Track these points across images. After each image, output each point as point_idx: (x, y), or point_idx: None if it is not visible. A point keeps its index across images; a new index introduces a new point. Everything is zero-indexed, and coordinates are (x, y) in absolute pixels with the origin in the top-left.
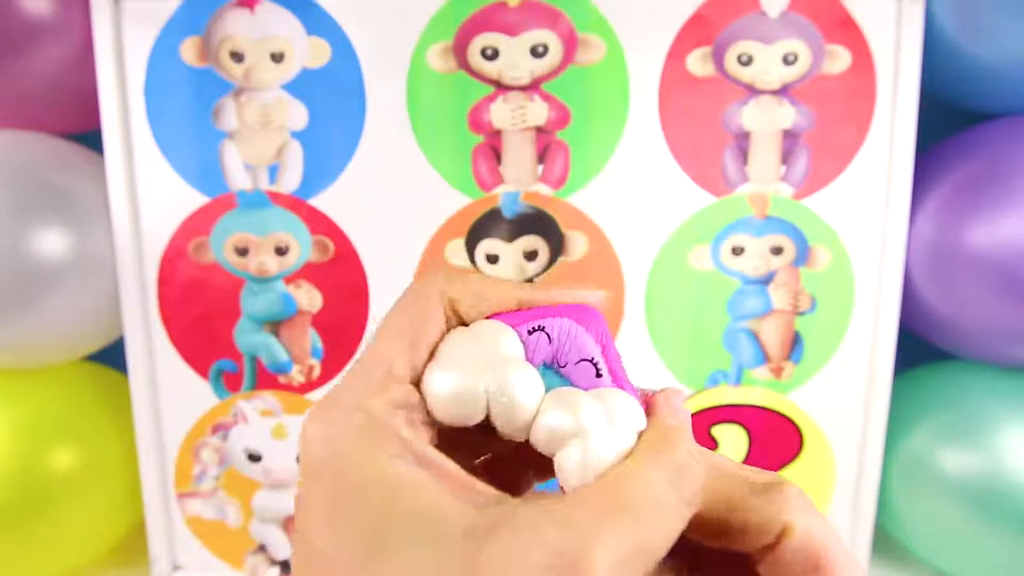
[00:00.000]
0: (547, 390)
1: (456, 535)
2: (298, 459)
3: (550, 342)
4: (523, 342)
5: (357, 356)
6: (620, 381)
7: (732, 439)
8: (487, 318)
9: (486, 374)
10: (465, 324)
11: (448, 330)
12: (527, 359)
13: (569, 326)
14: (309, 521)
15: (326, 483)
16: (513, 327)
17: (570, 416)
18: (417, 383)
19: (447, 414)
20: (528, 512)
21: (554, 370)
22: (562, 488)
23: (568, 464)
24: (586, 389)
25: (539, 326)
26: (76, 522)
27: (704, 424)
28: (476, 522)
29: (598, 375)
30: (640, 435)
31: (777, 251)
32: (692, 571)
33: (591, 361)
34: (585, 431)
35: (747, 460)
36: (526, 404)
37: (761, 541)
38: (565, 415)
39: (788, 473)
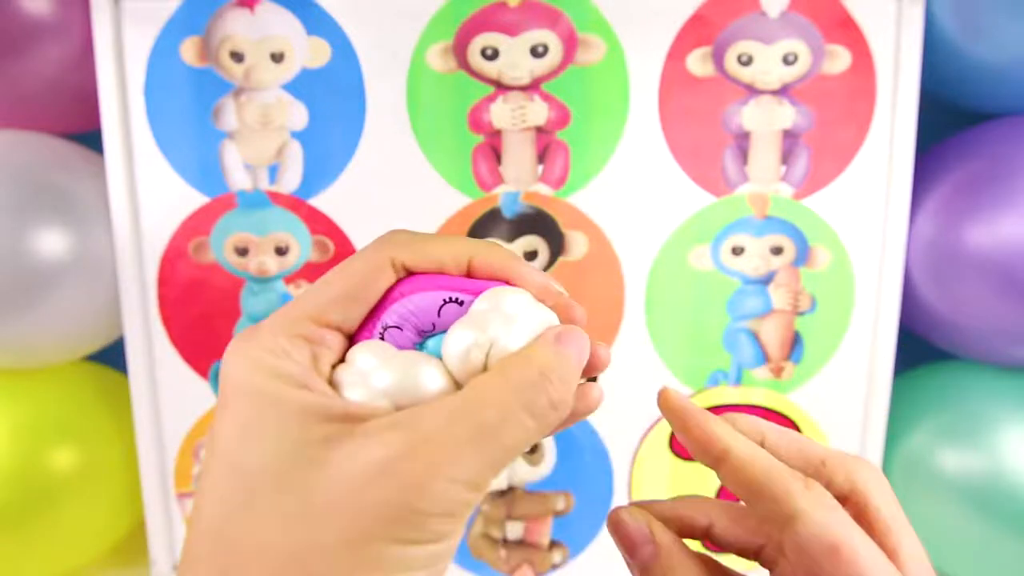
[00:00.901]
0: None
1: (311, 441)
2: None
3: (402, 330)
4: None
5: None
6: (479, 289)
7: None
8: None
9: (375, 380)
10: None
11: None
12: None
13: (403, 304)
14: (220, 435)
15: (228, 389)
16: (371, 338)
17: (469, 332)
18: (349, 333)
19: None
20: (381, 420)
21: (433, 335)
22: None
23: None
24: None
25: (384, 326)
26: (76, 522)
27: None
28: (334, 432)
29: (460, 303)
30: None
31: (777, 251)
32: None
33: (446, 302)
34: (491, 337)
35: None
36: (427, 380)
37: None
38: (464, 334)
39: None
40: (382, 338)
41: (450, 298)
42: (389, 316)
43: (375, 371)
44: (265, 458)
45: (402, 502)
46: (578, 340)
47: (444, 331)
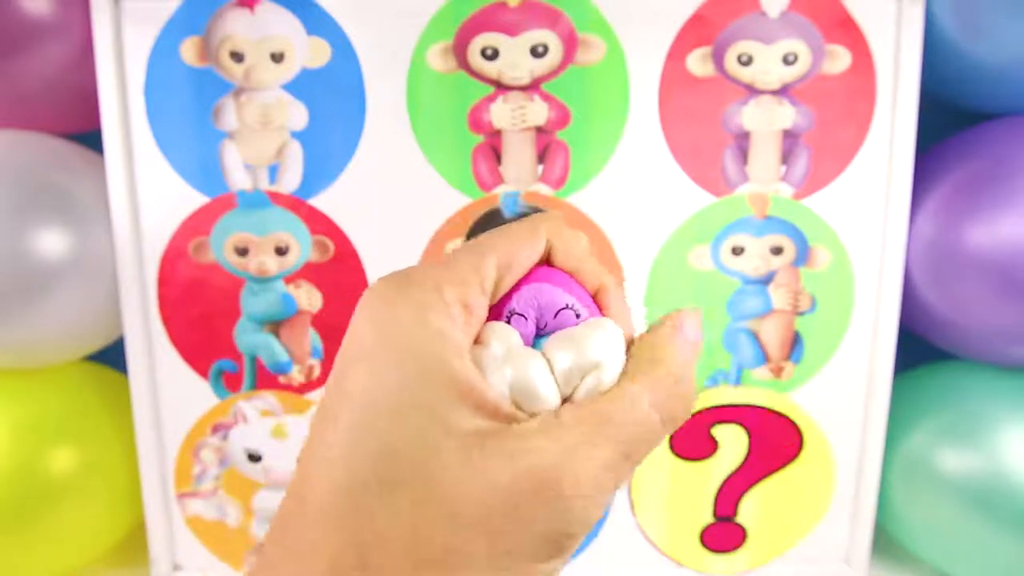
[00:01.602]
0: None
1: (462, 432)
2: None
3: (526, 319)
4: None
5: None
6: (595, 311)
7: (732, 439)
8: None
9: (503, 374)
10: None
11: (538, 258)
12: (524, 342)
13: (532, 291)
14: (356, 389)
15: (374, 341)
16: (499, 320)
17: (575, 353)
18: (489, 292)
19: None
20: (532, 426)
21: (545, 335)
22: None
23: (585, 395)
24: None
25: (511, 311)
26: (76, 522)
27: (704, 424)
28: (487, 428)
29: (577, 316)
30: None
31: (777, 251)
32: None
33: (566, 307)
34: (594, 362)
35: (747, 460)
36: (543, 389)
37: None
38: (570, 354)
39: (788, 473)
40: (508, 321)
41: (570, 305)
42: (519, 302)
43: (504, 363)
44: (410, 437)
45: (555, 522)
46: (694, 324)
47: (551, 333)
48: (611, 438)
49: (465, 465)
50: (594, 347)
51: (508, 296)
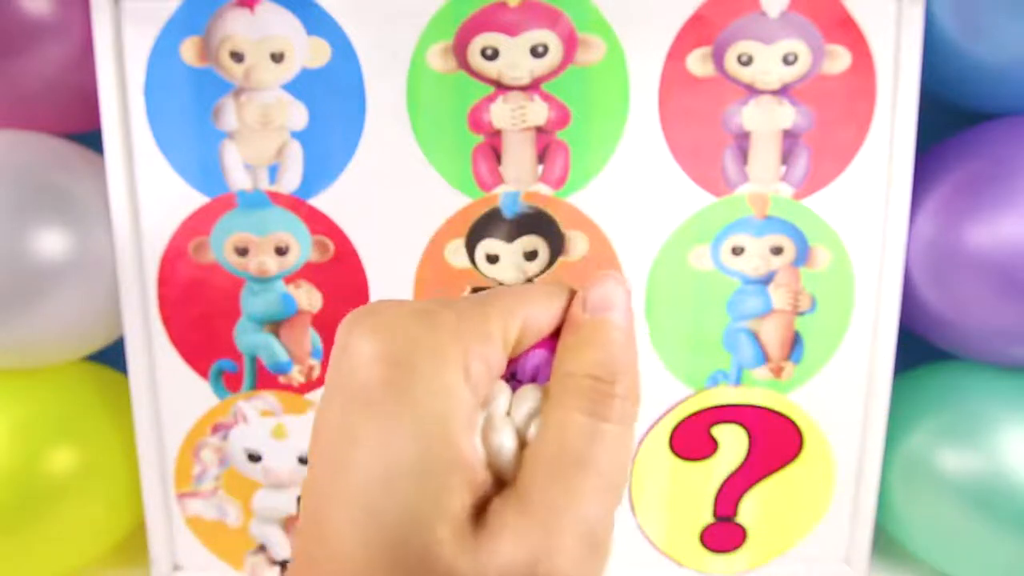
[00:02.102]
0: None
1: (458, 507)
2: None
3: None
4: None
5: (477, 297)
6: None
7: (732, 439)
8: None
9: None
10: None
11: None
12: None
13: (536, 358)
14: (369, 385)
15: (396, 387)
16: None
17: (529, 403)
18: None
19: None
20: (511, 508)
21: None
22: None
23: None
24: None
25: (512, 374)
26: (76, 522)
27: (704, 424)
28: (469, 510)
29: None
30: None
31: (777, 251)
32: None
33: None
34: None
35: (747, 460)
36: (505, 447)
37: None
38: (526, 405)
39: (788, 473)
40: (508, 382)
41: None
42: (521, 369)
43: (505, 423)
44: (406, 512)
45: None
46: (613, 294)
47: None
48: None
49: (460, 551)
50: (532, 397)
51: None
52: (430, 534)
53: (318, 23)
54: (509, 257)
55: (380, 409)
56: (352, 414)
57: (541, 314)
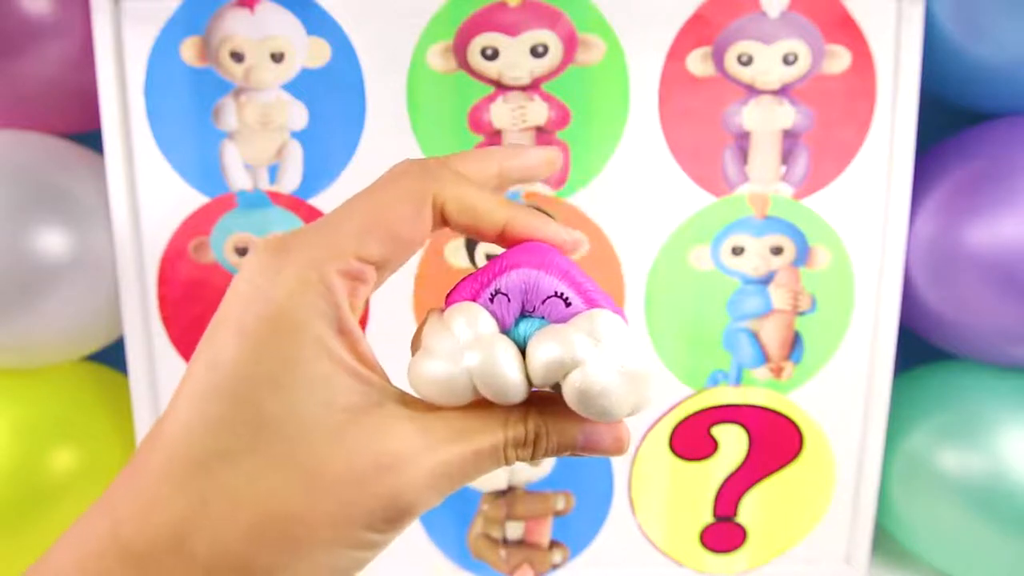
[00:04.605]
0: (529, 335)
1: (337, 408)
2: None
3: (510, 300)
4: (488, 309)
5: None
6: (590, 300)
7: (732, 439)
8: (449, 294)
9: (464, 358)
10: (448, 225)
11: (429, 227)
12: (500, 325)
13: (521, 276)
14: (222, 335)
15: (256, 308)
16: (475, 299)
17: (559, 348)
18: (374, 262)
19: (437, 400)
20: (393, 409)
21: (529, 316)
22: None
23: (570, 393)
24: (564, 320)
25: (495, 290)
26: None
27: (704, 424)
28: (354, 403)
29: (567, 304)
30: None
31: (777, 251)
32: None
33: (555, 295)
34: (577, 360)
35: (747, 460)
36: (509, 375)
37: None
38: (554, 348)
39: (788, 473)
40: (492, 299)
41: (559, 293)
42: (507, 283)
43: (468, 348)
44: (285, 409)
45: (399, 501)
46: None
47: (540, 318)
48: (467, 444)
49: (334, 441)
50: (579, 344)
51: (493, 271)
52: (300, 420)
53: (318, 23)
54: None
55: (241, 327)
56: (216, 335)
57: (402, 218)
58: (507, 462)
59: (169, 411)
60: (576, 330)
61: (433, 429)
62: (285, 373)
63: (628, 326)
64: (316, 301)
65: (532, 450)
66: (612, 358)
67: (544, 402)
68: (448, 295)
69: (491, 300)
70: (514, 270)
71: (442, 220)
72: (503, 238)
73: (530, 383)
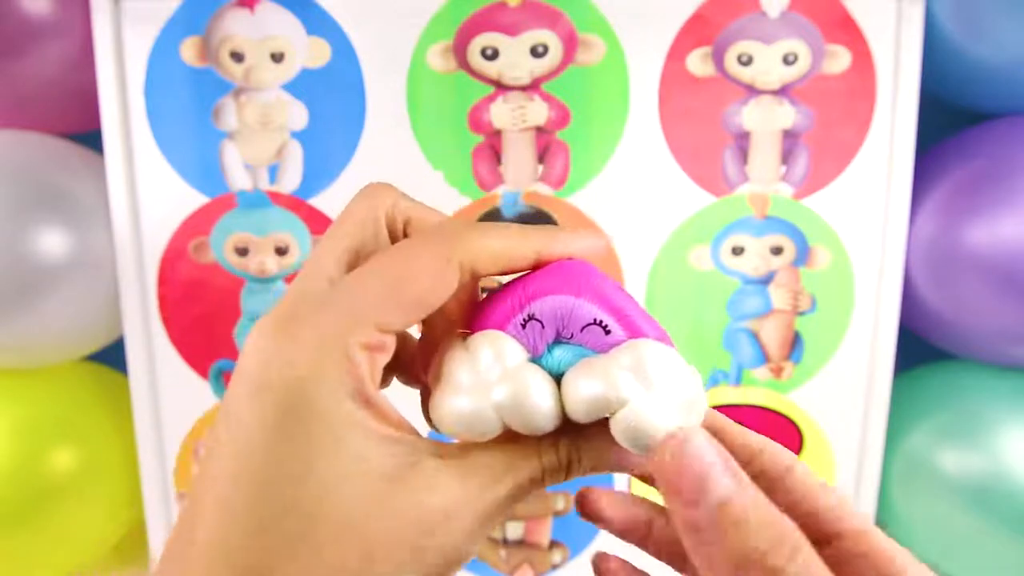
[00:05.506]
0: (564, 363)
1: (373, 478)
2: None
3: (543, 327)
4: (518, 337)
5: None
6: (633, 328)
7: None
8: (475, 317)
9: (492, 393)
10: (476, 279)
11: (453, 290)
12: (532, 351)
13: (557, 302)
14: (246, 420)
15: (275, 395)
16: (506, 324)
17: (602, 386)
18: (395, 331)
19: (464, 437)
20: (429, 463)
21: (564, 343)
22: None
23: (618, 432)
24: (603, 350)
25: (528, 315)
26: (76, 522)
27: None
28: (389, 468)
29: (607, 332)
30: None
31: (777, 251)
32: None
33: (595, 323)
34: (623, 399)
35: None
36: (542, 408)
37: None
38: (596, 386)
39: None
40: (524, 326)
41: (600, 321)
42: (539, 307)
43: (497, 383)
44: (317, 492)
45: (451, 556)
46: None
47: (576, 344)
48: (506, 483)
49: (379, 513)
50: (623, 382)
51: (526, 294)
52: (336, 488)
53: (318, 23)
54: None
55: (262, 397)
56: (237, 407)
57: (432, 284)
58: (543, 488)
59: (196, 516)
60: (618, 366)
61: (472, 474)
62: (319, 459)
63: (672, 351)
64: (342, 378)
65: (565, 474)
66: (660, 396)
67: (573, 423)
68: (475, 318)
69: (523, 326)
70: (549, 296)
71: (470, 276)
72: (536, 266)
73: (562, 411)
